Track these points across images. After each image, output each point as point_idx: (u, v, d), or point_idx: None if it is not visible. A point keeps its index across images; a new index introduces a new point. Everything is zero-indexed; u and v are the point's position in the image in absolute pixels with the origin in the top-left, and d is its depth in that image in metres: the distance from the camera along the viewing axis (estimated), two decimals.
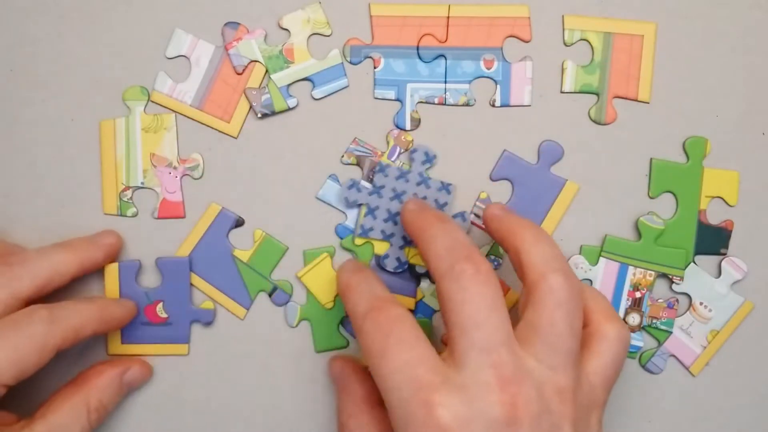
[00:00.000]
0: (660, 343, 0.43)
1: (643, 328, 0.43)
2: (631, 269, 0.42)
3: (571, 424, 0.31)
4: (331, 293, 0.42)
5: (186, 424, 0.43)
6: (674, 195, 0.43)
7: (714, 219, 0.43)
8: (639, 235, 0.42)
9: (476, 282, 0.31)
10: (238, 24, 0.43)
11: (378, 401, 0.36)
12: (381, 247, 0.42)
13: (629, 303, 0.42)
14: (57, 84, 0.43)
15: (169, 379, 0.43)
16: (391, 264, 0.42)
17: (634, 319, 0.42)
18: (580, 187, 0.43)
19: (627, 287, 0.42)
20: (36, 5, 0.43)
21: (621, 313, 0.43)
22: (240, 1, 0.43)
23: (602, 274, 0.43)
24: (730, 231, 0.43)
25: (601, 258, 0.43)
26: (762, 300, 0.43)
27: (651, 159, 0.43)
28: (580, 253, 0.43)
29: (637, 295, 0.42)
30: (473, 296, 0.31)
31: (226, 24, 0.43)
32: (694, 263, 0.42)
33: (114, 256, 0.41)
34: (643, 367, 0.43)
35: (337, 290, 0.39)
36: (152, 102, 0.43)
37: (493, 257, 0.43)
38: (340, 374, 0.39)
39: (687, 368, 0.43)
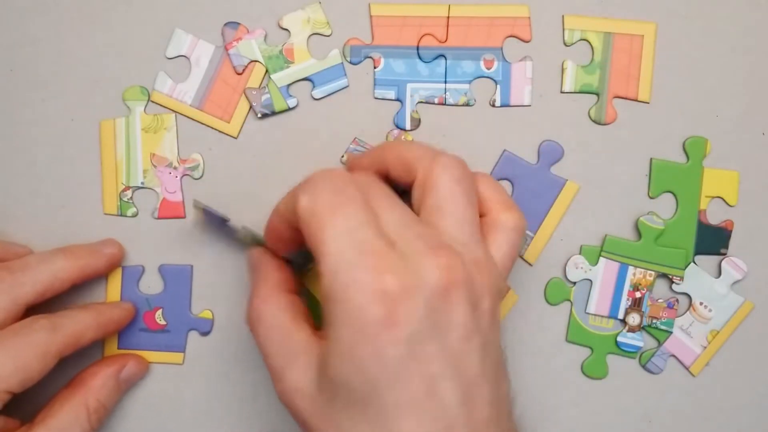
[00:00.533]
0: (660, 343, 0.43)
1: (643, 328, 0.43)
2: (631, 269, 0.42)
3: (491, 296, 0.30)
4: None
5: (185, 425, 0.43)
6: (674, 195, 0.43)
7: (714, 219, 0.43)
8: (639, 235, 0.42)
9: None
10: (238, 24, 0.43)
11: (292, 289, 0.35)
12: None
13: (629, 303, 0.42)
14: (57, 84, 0.43)
15: (167, 380, 0.43)
16: None
17: (634, 319, 0.42)
18: (580, 187, 0.43)
19: (627, 287, 0.42)
20: (36, 5, 0.43)
21: (621, 314, 0.43)
22: (240, 1, 0.43)
23: (602, 274, 0.43)
24: (730, 231, 0.43)
25: (601, 258, 0.43)
26: (762, 300, 0.43)
27: (651, 159, 0.43)
28: (580, 253, 0.43)
29: (637, 295, 0.42)
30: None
31: (226, 24, 0.43)
32: (694, 263, 0.43)
33: (115, 266, 0.42)
34: (643, 367, 0.43)
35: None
36: (152, 102, 0.43)
37: None
38: (257, 262, 0.37)
39: (687, 368, 0.43)
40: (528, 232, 0.43)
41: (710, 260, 0.43)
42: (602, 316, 0.43)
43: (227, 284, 0.42)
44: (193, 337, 0.43)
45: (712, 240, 0.43)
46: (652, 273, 0.42)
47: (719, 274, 0.43)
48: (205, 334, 0.43)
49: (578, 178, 0.43)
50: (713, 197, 0.43)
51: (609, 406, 0.43)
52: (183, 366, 0.43)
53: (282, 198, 0.33)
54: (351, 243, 0.28)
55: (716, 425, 0.43)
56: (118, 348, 0.42)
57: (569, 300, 0.43)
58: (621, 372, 0.43)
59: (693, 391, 0.43)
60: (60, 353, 0.36)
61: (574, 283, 0.43)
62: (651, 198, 0.43)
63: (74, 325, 0.37)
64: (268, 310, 0.34)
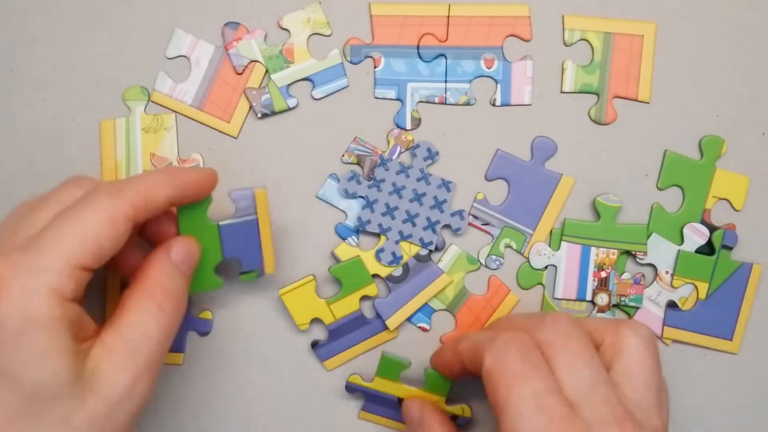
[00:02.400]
0: (630, 318, 0.43)
1: (613, 306, 0.42)
2: (593, 250, 0.42)
3: None
4: (308, 316, 0.42)
5: (185, 425, 0.43)
6: (682, 189, 0.43)
7: (717, 220, 0.43)
8: (597, 215, 0.42)
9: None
10: (238, 24, 0.43)
11: None
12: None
13: (596, 284, 0.42)
14: (57, 84, 0.43)
15: (167, 380, 0.43)
16: (386, 258, 0.42)
17: (602, 299, 0.42)
18: (580, 186, 0.43)
19: (592, 268, 0.42)
20: (36, 5, 0.43)
21: (589, 295, 0.42)
22: (240, 1, 0.43)
23: (565, 258, 0.42)
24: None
25: (562, 242, 0.43)
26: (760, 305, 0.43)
27: (665, 150, 0.43)
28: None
29: (603, 274, 0.42)
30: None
31: (226, 24, 0.43)
32: (656, 234, 0.42)
33: (206, 191, 0.37)
34: None
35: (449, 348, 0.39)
36: (152, 102, 0.43)
37: (494, 257, 0.43)
38: (419, 416, 0.39)
39: (660, 338, 0.43)
40: (527, 229, 0.43)
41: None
42: (572, 300, 0.43)
43: (226, 284, 0.42)
44: (193, 337, 0.43)
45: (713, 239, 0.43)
46: (615, 251, 0.42)
47: (681, 241, 0.43)
48: (204, 334, 0.43)
49: (578, 177, 0.43)
50: (720, 198, 0.43)
51: None
52: (183, 366, 0.43)
53: (464, 341, 0.36)
54: (536, 408, 0.31)
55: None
56: None
57: (541, 284, 0.43)
58: None
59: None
60: (130, 217, 0.32)
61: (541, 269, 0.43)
62: (659, 189, 0.43)
63: (141, 184, 0.33)
64: None
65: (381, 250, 0.42)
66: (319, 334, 0.43)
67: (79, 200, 0.32)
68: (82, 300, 0.32)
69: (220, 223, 0.37)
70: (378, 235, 0.42)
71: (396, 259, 0.42)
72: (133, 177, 0.34)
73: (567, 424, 0.30)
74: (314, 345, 0.42)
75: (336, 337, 0.42)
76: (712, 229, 0.42)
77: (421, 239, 0.42)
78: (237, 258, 0.38)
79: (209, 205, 0.37)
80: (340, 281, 0.42)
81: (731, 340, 0.42)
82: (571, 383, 0.32)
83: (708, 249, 0.42)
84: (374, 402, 0.42)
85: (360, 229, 0.42)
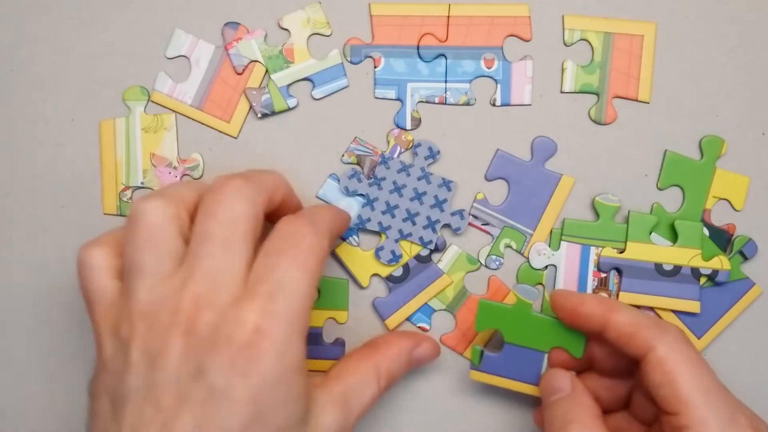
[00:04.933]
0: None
1: None
2: (593, 249, 0.42)
3: None
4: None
5: None
6: (682, 189, 0.43)
7: (717, 220, 0.43)
8: (597, 214, 0.42)
9: None
10: (238, 24, 0.43)
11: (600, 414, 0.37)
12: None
13: (596, 283, 0.42)
14: (57, 84, 0.43)
15: None
16: (385, 256, 0.42)
17: None
18: (581, 186, 0.43)
19: (591, 268, 0.42)
20: (36, 5, 0.43)
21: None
22: (240, 1, 0.43)
23: (565, 257, 0.42)
24: (731, 234, 0.43)
25: (562, 242, 0.43)
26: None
27: (665, 150, 0.43)
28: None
29: (603, 274, 0.42)
30: None
31: (226, 24, 0.43)
32: (655, 234, 0.42)
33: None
34: None
35: None
36: (152, 102, 0.43)
37: (494, 257, 0.43)
38: (568, 387, 0.38)
39: None
40: (527, 229, 0.43)
41: None
42: None
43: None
44: None
45: (714, 240, 0.43)
46: (615, 251, 0.42)
47: (676, 238, 0.42)
48: None
49: (578, 177, 0.43)
50: (720, 198, 0.43)
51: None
52: None
53: (620, 315, 0.36)
54: (723, 398, 0.33)
55: None
56: None
57: (542, 284, 0.43)
58: None
59: None
60: (327, 254, 0.34)
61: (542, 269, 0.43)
62: (659, 189, 0.43)
63: (327, 221, 0.35)
64: None
65: (380, 249, 0.42)
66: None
67: (280, 237, 0.33)
68: None
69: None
70: (378, 234, 0.42)
71: (395, 258, 0.42)
72: (316, 211, 0.36)
73: (744, 408, 0.34)
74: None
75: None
76: (713, 229, 0.42)
77: (420, 238, 0.42)
78: None
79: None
80: (319, 292, 0.42)
81: (699, 339, 0.42)
82: None
83: (723, 246, 0.42)
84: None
85: (360, 227, 0.42)
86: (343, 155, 0.43)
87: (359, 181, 0.42)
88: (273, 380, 0.29)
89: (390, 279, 0.42)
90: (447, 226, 0.42)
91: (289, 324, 0.30)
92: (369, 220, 0.42)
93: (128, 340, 0.30)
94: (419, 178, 0.42)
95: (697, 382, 0.33)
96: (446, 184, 0.42)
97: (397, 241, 0.42)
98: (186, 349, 0.29)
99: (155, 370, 0.29)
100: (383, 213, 0.42)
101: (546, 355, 0.39)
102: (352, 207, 0.42)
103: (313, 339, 0.42)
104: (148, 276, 0.31)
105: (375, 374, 0.36)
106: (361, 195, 0.42)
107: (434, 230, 0.42)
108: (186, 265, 0.31)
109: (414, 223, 0.42)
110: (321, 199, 0.43)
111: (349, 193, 0.42)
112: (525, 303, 0.39)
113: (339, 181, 0.42)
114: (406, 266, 0.42)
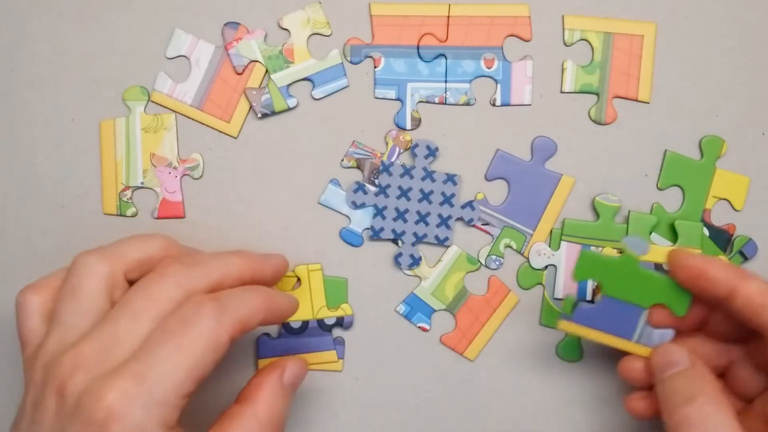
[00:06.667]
0: None
1: None
2: (593, 249, 0.42)
3: None
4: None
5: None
6: (682, 189, 0.43)
7: (717, 220, 0.43)
8: (597, 214, 0.42)
9: None
10: (238, 24, 0.43)
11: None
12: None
13: (596, 283, 0.42)
14: (57, 84, 0.43)
15: None
16: (405, 262, 0.42)
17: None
18: (581, 186, 0.43)
19: None
20: (36, 5, 0.43)
21: (589, 295, 0.43)
22: (240, 1, 0.43)
23: (565, 257, 0.43)
24: (731, 234, 0.43)
25: (562, 242, 0.43)
26: None
27: (665, 150, 0.43)
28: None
29: None
30: None
31: (226, 24, 0.43)
32: (655, 233, 0.42)
33: (279, 278, 0.39)
34: None
35: None
36: (152, 102, 0.43)
37: (494, 257, 0.43)
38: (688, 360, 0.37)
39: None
40: (527, 229, 0.43)
41: None
42: None
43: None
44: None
45: (714, 240, 0.43)
46: (615, 251, 0.42)
47: (676, 238, 0.42)
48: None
49: (578, 177, 0.43)
50: (720, 198, 0.43)
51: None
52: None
53: (714, 267, 0.35)
54: None
55: None
56: None
57: (541, 284, 0.43)
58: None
59: None
60: (230, 342, 0.33)
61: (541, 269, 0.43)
62: (659, 189, 0.43)
63: (242, 309, 0.33)
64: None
65: (399, 255, 0.42)
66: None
67: (185, 317, 0.32)
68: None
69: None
70: (395, 242, 0.42)
71: (416, 261, 0.42)
72: (234, 294, 0.34)
73: None
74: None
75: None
76: (713, 229, 0.42)
77: (436, 237, 0.42)
78: None
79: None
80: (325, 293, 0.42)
81: None
82: None
83: (723, 246, 0.42)
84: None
85: (374, 239, 0.42)
86: (342, 160, 0.43)
87: (365, 193, 0.42)
88: None
89: (285, 326, 0.42)
90: (460, 219, 0.42)
91: (147, 410, 0.29)
92: (382, 229, 0.42)
93: (28, 386, 0.32)
94: (423, 178, 0.42)
95: None
96: (451, 178, 0.42)
97: (413, 244, 0.42)
98: (58, 409, 0.30)
99: (35, 423, 0.30)
100: (395, 220, 0.42)
101: (645, 312, 0.37)
102: (355, 212, 0.42)
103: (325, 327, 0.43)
104: (62, 328, 0.32)
105: (256, 424, 0.34)
106: (370, 206, 0.42)
107: (448, 226, 0.42)
108: (96, 326, 0.32)
109: (427, 224, 0.42)
110: (323, 206, 0.43)
111: (357, 207, 0.42)
112: (632, 256, 0.37)
113: (340, 186, 0.42)
114: (305, 324, 0.42)
